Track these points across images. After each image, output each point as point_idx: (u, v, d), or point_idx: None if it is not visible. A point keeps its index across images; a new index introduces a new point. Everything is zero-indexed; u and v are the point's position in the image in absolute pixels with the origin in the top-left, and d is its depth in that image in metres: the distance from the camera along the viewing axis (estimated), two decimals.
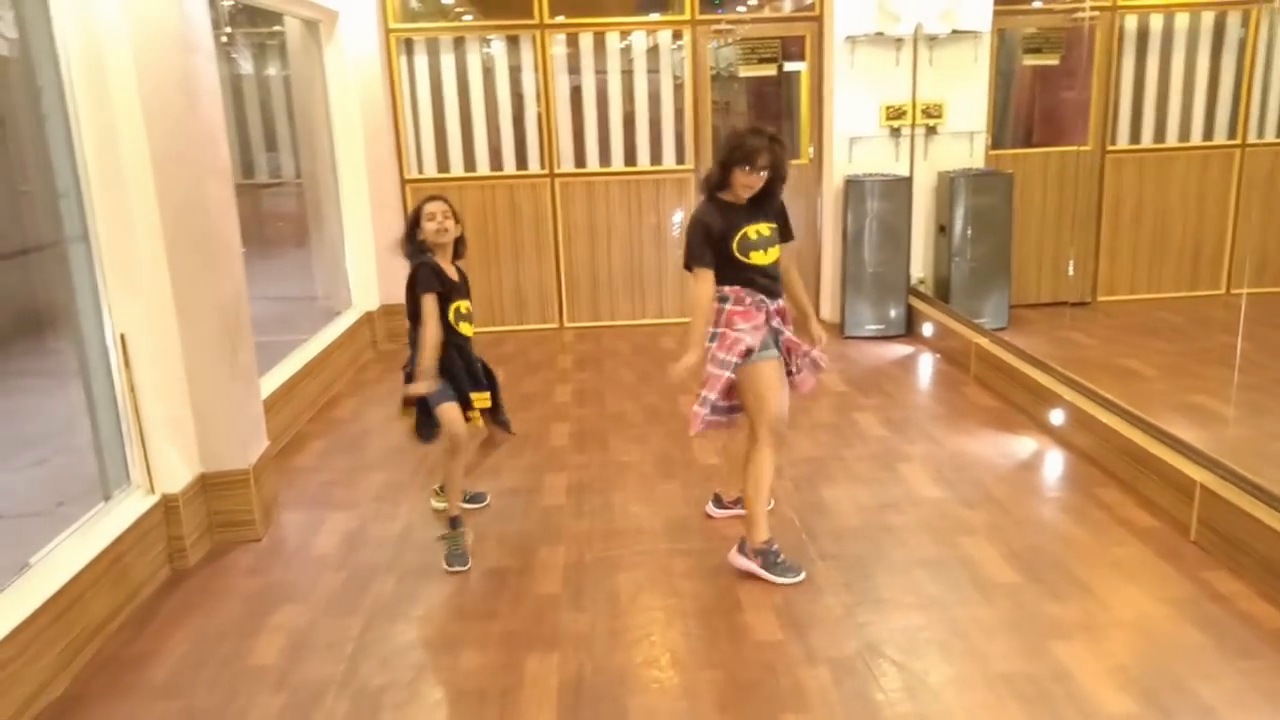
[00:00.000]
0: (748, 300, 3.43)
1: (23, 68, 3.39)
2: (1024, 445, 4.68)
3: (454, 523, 3.72)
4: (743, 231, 3.38)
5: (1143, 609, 3.19)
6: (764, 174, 3.33)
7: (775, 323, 3.49)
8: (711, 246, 3.39)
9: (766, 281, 3.45)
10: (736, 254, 3.39)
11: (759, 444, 3.46)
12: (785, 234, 3.53)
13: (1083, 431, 4.48)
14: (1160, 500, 3.85)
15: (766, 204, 3.44)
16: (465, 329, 3.70)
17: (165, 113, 3.54)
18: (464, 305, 3.69)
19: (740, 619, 3.21)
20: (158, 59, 3.51)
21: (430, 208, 3.62)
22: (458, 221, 3.67)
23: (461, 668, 2.99)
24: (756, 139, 3.30)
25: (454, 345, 3.66)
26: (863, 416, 5.14)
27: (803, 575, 3.46)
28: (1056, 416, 4.70)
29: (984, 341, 5.70)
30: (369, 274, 6.91)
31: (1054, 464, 4.47)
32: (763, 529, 3.48)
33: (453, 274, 3.68)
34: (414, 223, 3.65)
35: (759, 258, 3.42)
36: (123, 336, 3.55)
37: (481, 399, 3.76)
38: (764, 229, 3.43)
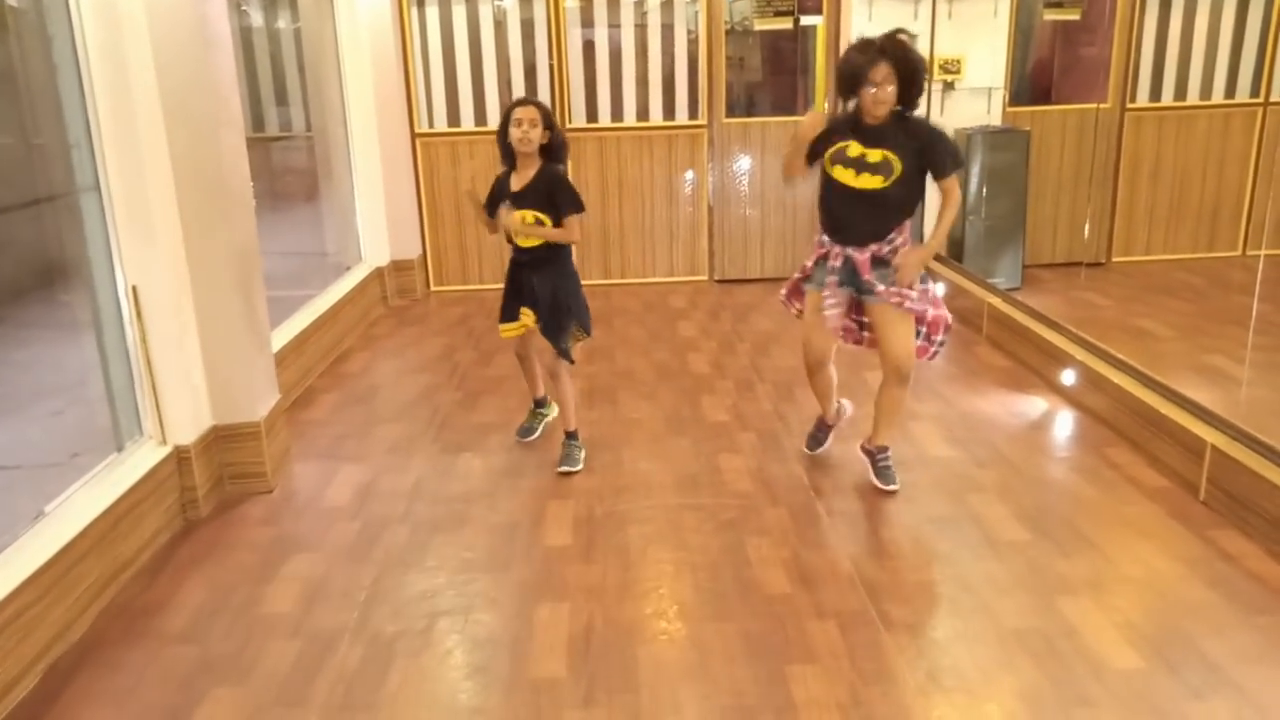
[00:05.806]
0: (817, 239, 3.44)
1: (34, 17, 3.36)
2: (1035, 405, 4.67)
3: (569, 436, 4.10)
4: (840, 146, 3.23)
5: (1152, 567, 3.20)
6: (888, 86, 3.10)
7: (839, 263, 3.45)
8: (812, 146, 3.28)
9: (846, 211, 3.33)
10: (826, 166, 3.28)
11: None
12: (936, 170, 3.24)
13: (1094, 391, 4.46)
14: (1170, 460, 3.84)
15: (904, 130, 3.20)
16: (519, 242, 3.84)
17: (177, 62, 3.51)
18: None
19: (749, 573, 3.23)
20: (170, 7, 3.47)
21: (519, 113, 3.65)
22: (548, 129, 3.70)
23: (473, 617, 3.02)
24: (862, 55, 3.10)
25: (511, 261, 3.95)
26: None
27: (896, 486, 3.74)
28: (1068, 377, 4.68)
29: (997, 301, 5.67)
30: (379, 229, 6.88)
31: (1065, 424, 4.46)
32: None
33: (518, 183, 3.78)
34: (504, 124, 3.71)
35: (842, 174, 3.25)
36: (135, 288, 3.55)
37: (525, 315, 3.96)
38: (873, 153, 3.21)
